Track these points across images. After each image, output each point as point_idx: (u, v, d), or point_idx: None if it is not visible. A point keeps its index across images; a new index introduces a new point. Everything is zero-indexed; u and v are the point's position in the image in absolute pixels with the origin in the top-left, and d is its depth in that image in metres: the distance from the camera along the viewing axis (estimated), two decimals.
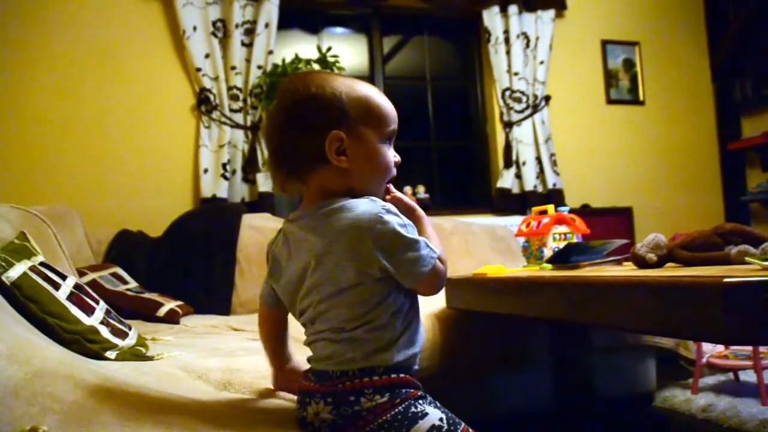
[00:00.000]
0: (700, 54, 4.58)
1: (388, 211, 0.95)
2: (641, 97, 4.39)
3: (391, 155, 1.05)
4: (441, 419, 0.94)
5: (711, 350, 2.53)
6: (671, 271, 1.20)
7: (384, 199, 1.03)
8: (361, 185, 1.02)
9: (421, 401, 0.96)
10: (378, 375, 0.94)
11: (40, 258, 1.56)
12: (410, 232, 0.96)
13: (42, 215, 1.98)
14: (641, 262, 1.36)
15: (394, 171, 1.06)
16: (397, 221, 0.95)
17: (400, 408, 0.93)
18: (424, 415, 0.93)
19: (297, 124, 1.00)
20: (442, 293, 2.01)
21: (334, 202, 0.98)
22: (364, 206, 0.96)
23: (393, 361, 0.95)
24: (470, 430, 0.96)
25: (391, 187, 1.08)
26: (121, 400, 0.90)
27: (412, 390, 0.97)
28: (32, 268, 1.42)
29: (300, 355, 1.13)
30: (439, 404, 0.99)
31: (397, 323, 0.98)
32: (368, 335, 0.95)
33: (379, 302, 0.96)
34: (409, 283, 0.98)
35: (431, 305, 2.06)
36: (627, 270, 1.38)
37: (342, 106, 0.99)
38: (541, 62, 3.99)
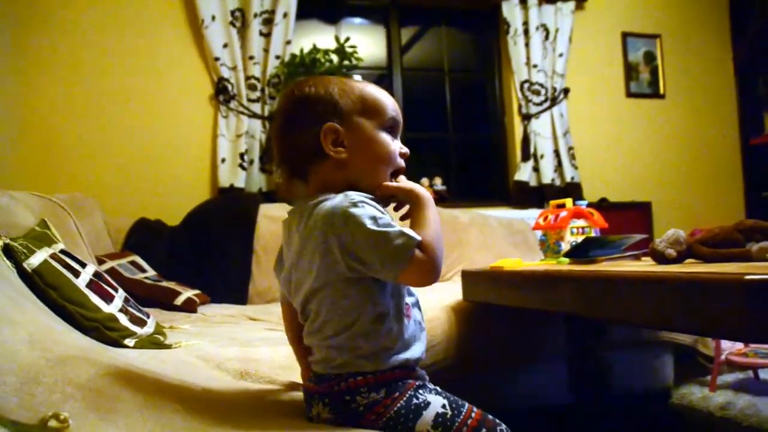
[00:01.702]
0: (722, 47, 4.51)
1: (357, 204, 0.91)
2: (662, 91, 4.34)
3: (395, 145, 1.04)
4: (444, 405, 0.93)
5: (730, 347, 2.50)
6: (691, 267, 1.19)
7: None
8: (361, 176, 1.00)
9: (421, 391, 0.95)
10: (372, 374, 0.93)
11: (61, 245, 1.57)
12: (382, 224, 0.90)
13: (62, 203, 2.00)
14: (660, 258, 1.35)
15: (400, 161, 1.04)
16: (366, 214, 0.90)
17: (401, 402, 0.92)
18: (427, 404, 0.93)
19: (293, 123, 1.02)
20: (458, 286, 2.01)
21: (318, 197, 0.97)
22: (334, 201, 0.93)
23: (386, 367, 0.94)
24: (474, 409, 0.96)
25: (402, 178, 1.05)
26: (140, 388, 0.91)
27: (410, 381, 0.96)
28: (53, 256, 1.43)
29: None
30: (439, 389, 0.98)
31: (381, 330, 0.94)
32: (353, 342, 0.93)
33: (356, 307, 0.93)
34: (388, 277, 0.93)
35: (446, 298, 2.06)
36: (645, 265, 1.37)
37: (335, 100, 1.00)
38: (561, 54, 3.96)
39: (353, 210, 0.90)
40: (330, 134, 0.99)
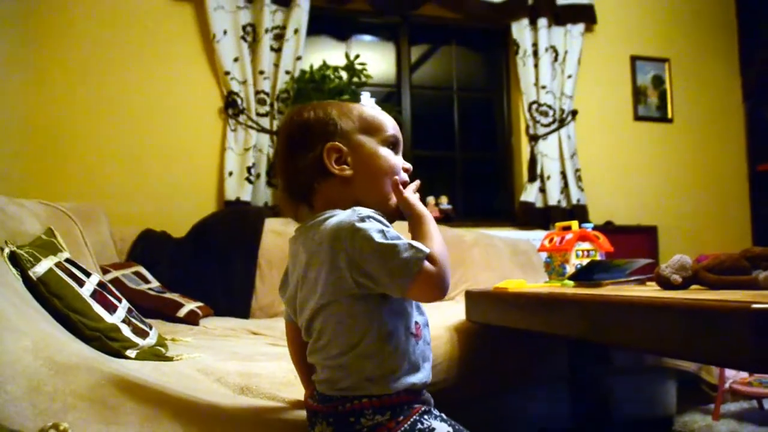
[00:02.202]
0: (731, 73, 4.52)
1: (365, 219, 0.91)
2: (670, 115, 4.34)
3: (398, 160, 1.05)
4: None
5: (734, 376, 2.48)
6: (696, 293, 1.18)
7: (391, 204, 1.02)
8: (367, 191, 1.02)
9: (426, 416, 0.94)
10: (378, 397, 0.92)
11: (66, 254, 1.58)
12: (390, 238, 0.90)
13: (69, 212, 2.01)
14: (666, 283, 1.34)
15: (404, 176, 1.05)
16: (374, 228, 0.90)
17: (405, 426, 0.92)
18: (431, 430, 0.92)
19: (295, 147, 1.03)
20: (461, 306, 2.00)
21: (324, 213, 0.97)
22: (340, 217, 0.94)
23: (393, 390, 0.93)
24: None
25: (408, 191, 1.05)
26: (141, 400, 0.91)
27: (416, 406, 0.95)
28: (58, 264, 1.44)
29: None
30: (445, 417, 0.97)
31: (388, 350, 0.93)
32: (358, 363, 0.93)
33: (362, 325, 0.93)
34: (395, 292, 0.91)
35: (450, 317, 2.05)
36: (650, 290, 1.37)
37: (334, 121, 1.02)
38: (569, 76, 3.97)
39: (360, 224, 0.90)
40: (333, 153, 1.00)
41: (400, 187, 1.03)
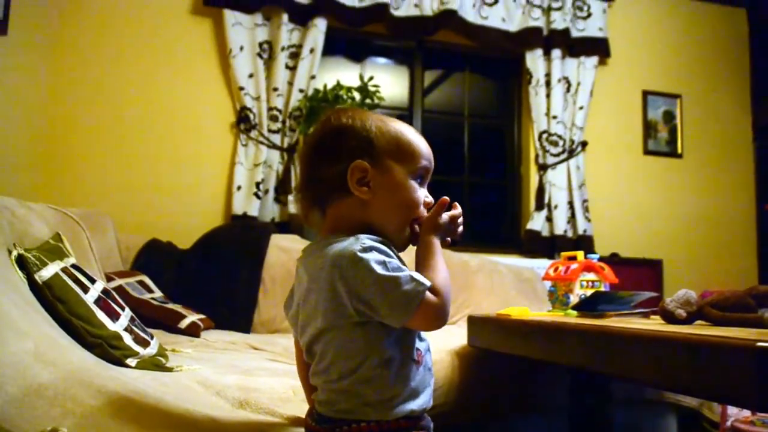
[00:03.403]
0: (742, 112, 4.53)
1: (367, 249, 0.90)
2: (679, 150, 4.35)
3: (421, 194, 1.02)
4: None
5: (737, 414, 2.45)
6: (701, 329, 1.18)
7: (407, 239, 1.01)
8: (380, 220, 0.99)
9: None
10: (376, 422, 0.92)
11: (72, 260, 1.59)
12: (392, 269, 0.89)
13: (77, 218, 2.02)
14: (670, 318, 1.34)
15: (423, 211, 1.02)
16: (376, 259, 0.89)
17: None
18: None
19: (324, 153, 1.01)
20: (463, 330, 2.00)
21: (329, 238, 0.96)
22: (343, 244, 0.92)
23: (393, 417, 0.92)
24: None
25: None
26: (139, 411, 0.91)
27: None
28: (64, 269, 1.45)
29: None
30: None
31: (389, 376, 0.92)
32: (358, 388, 0.92)
33: (362, 350, 0.92)
34: (395, 322, 0.91)
35: (451, 342, 2.05)
36: (654, 324, 1.36)
37: (370, 137, 0.99)
38: (581, 107, 3.99)
39: (363, 254, 0.89)
40: (357, 172, 0.97)
41: (416, 227, 1.01)
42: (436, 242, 1.00)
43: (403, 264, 0.94)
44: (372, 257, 0.89)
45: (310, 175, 1.02)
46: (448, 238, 1.03)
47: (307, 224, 1.05)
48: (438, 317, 0.92)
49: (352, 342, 0.92)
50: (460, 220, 1.05)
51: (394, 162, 0.99)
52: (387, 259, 0.90)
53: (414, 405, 0.94)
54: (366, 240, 0.92)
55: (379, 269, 0.88)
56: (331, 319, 0.92)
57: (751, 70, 4.55)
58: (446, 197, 1.02)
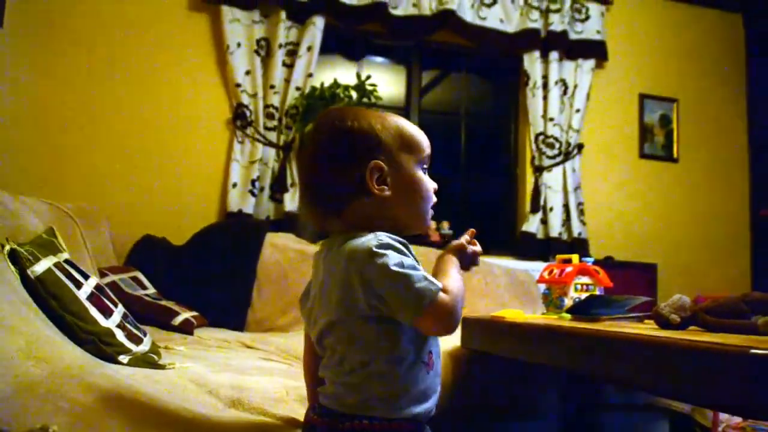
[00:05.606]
0: (738, 117, 4.54)
1: (384, 246, 0.92)
2: (675, 154, 4.36)
3: (431, 182, 1.06)
4: None
5: (728, 420, 2.46)
6: (694, 334, 1.18)
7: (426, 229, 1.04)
8: (403, 214, 1.02)
9: None
10: (379, 420, 0.92)
11: (66, 255, 1.58)
12: (407, 267, 0.90)
13: (71, 212, 2.01)
14: (664, 322, 1.34)
15: (434, 197, 1.06)
16: (392, 255, 0.91)
17: None
18: None
19: (335, 159, 1.00)
20: (456, 332, 2.00)
21: (349, 233, 0.96)
22: (361, 240, 0.93)
23: (398, 417, 0.92)
24: None
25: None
26: (130, 408, 0.90)
27: None
28: (57, 265, 1.44)
29: None
30: None
31: (399, 374, 0.93)
32: (367, 383, 0.92)
33: (373, 345, 0.93)
34: (406, 318, 0.91)
35: (445, 343, 2.04)
36: (648, 328, 1.36)
37: (378, 136, 1.00)
38: (578, 110, 3.99)
39: (378, 250, 0.91)
40: (376, 172, 0.98)
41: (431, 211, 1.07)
42: (456, 261, 1.04)
43: (419, 264, 0.94)
44: (388, 254, 0.91)
45: (320, 183, 1.02)
46: (462, 268, 1.07)
47: (327, 232, 1.05)
48: (448, 319, 0.92)
49: (363, 336, 0.93)
50: (479, 258, 1.11)
51: (404, 155, 1.02)
52: (403, 258, 0.92)
53: (420, 408, 0.95)
54: (384, 237, 0.94)
55: (393, 265, 0.90)
56: (344, 312, 0.93)
57: (747, 75, 4.57)
58: (473, 229, 1.13)
